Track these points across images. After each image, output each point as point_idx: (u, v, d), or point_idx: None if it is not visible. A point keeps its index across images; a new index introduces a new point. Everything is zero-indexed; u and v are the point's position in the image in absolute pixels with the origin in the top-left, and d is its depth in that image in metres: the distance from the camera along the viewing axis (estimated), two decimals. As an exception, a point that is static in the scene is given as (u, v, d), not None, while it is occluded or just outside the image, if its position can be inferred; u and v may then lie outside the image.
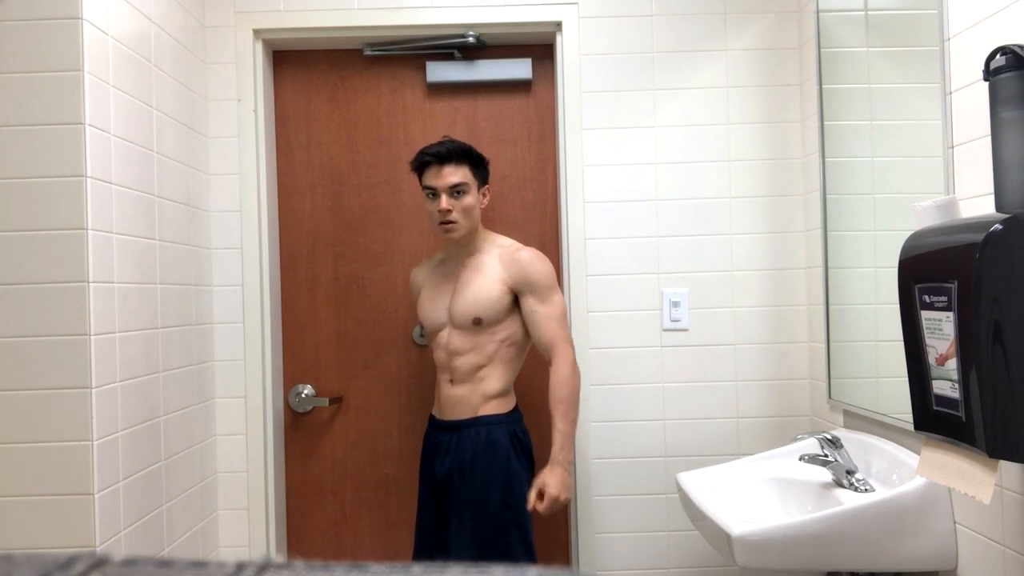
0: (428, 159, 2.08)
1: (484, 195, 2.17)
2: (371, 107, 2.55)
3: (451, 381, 2.14)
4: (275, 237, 2.52)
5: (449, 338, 2.13)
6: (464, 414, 2.12)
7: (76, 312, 1.66)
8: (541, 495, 2.00)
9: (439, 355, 2.17)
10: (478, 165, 2.13)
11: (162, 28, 2.10)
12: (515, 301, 2.12)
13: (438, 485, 2.14)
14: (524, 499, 2.02)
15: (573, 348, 2.12)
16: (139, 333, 1.91)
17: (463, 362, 2.11)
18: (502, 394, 2.12)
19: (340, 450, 2.54)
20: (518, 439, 2.12)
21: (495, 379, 2.11)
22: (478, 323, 2.09)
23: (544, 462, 2.05)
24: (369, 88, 2.55)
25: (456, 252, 2.19)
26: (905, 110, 1.81)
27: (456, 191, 2.07)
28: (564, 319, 2.13)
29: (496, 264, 2.12)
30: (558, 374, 2.06)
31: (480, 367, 2.11)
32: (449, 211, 2.06)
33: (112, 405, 1.76)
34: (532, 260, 2.11)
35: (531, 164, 2.55)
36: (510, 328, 2.11)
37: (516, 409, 2.16)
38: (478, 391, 2.11)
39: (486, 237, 2.18)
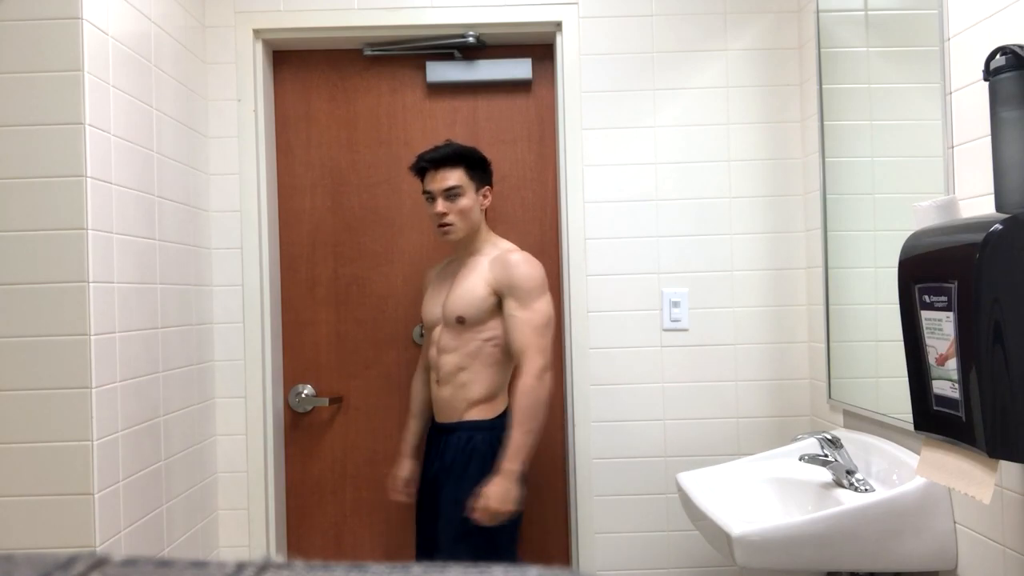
0: (424, 164, 2.13)
1: (485, 196, 2.17)
2: (371, 107, 2.55)
3: (437, 381, 2.16)
4: (275, 237, 2.52)
5: (440, 335, 2.16)
6: (451, 418, 2.13)
7: (76, 312, 1.66)
8: None
9: (431, 353, 2.19)
10: (475, 167, 2.14)
11: (162, 28, 2.10)
12: (501, 303, 2.10)
13: (430, 485, 2.17)
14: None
15: (545, 358, 2.03)
16: (139, 333, 1.91)
17: (446, 360, 2.12)
18: (487, 399, 2.11)
19: (340, 450, 2.54)
20: (501, 445, 2.07)
21: (479, 383, 2.10)
22: (461, 321, 2.10)
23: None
24: (369, 88, 2.55)
25: (460, 253, 2.21)
26: (905, 110, 1.81)
27: (451, 194, 2.10)
28: (543, 328, 2.05)
29: (487, 265, 2.12)
30: (521, 383, 2.02)
31: (461, 369, 2.10)
32: (445, 214, 2.10)
33: (112, 405, 1.76)
34: (519, 263, 2.08)
35: (531, 164, 2.55)
36: (496, 329, 2.10)
37: (505, 414, 2.13)
38: (461, 396, 2.11)
39: (488, 239, 2.18)
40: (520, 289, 2.06)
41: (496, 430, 2.09)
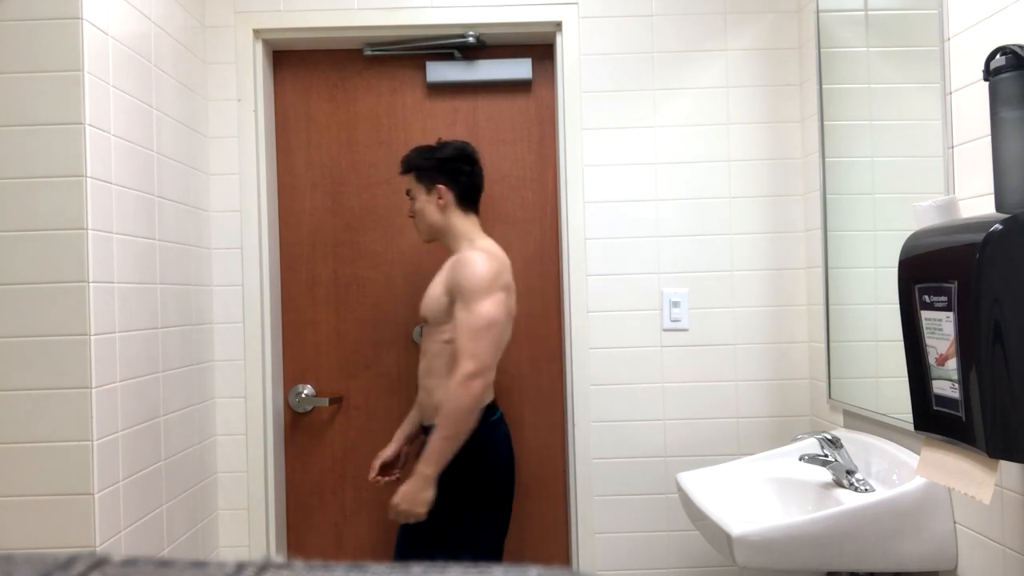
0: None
1: (440, 196, 2.13)
2: (371, 107, 2.55)
3: (419, 384, 2.18)
4: (275, 237, 2.52)
5: (423, 336, 2.18)
6: (428, 420, 2.14)
7: (76, 312, 1.66)
8: None
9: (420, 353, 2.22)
10: (423, 169, 2.15)
11: (162, 28, 2.10)
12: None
13: None
14: (453, 510, 2.00)
15: (476, 363, 1.94)
16: (139, 333, 1.91)
17: (421, 363, 2.16)
18: None
19: (340, 450, 2.54)
20: (463, 449, 2.01)
21: (441, 389, 2.04)
22: (426, 322, 2.11)
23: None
24: (369, 88, 2.55)
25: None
26: (905, 110, 1.81)
27: (410, 198, 2.21)
28: (480, 331, 1.96)
29: (449, 264, 2.11)
30: (448, 387, 1.96)
31: (427, 375, 2.11)
32: (412, 216, 2.21)
33: (112, 405, 1.76)
34: (466, 263, 2.02)
35: (531, 164, 2.55)
36: (454, 331, 2.04)
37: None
38: (428, 401, 2.12)
39: (467, 237, 2.13)
40: (464, 289, 1.99)
41: None
